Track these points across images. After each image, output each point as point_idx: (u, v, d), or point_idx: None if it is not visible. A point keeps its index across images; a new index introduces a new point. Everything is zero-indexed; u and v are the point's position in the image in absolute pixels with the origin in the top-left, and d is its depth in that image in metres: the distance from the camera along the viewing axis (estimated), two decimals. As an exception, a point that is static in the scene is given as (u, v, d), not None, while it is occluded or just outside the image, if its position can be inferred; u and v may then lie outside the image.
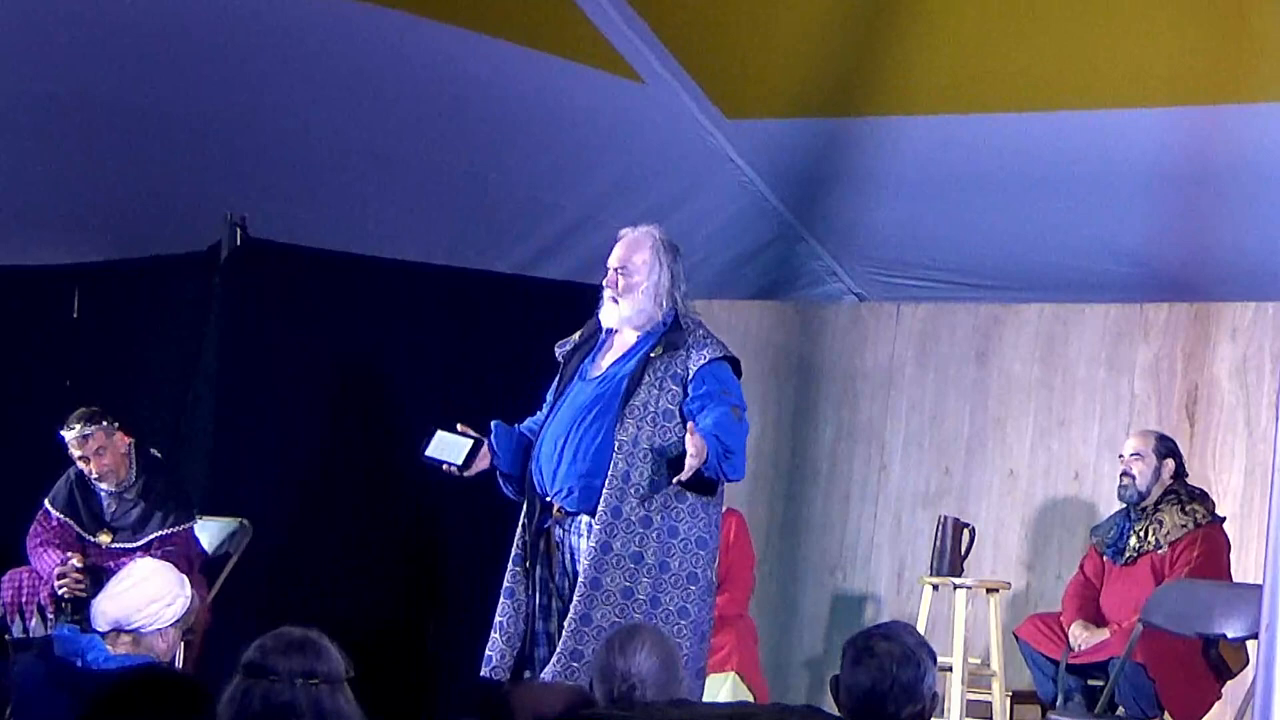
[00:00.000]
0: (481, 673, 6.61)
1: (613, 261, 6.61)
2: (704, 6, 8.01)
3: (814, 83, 8.17)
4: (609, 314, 6.59)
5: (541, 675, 6.39)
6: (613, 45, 8.08)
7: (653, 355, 6.51)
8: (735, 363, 6.60)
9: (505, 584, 6.61)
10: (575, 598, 6.39)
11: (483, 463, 6.70)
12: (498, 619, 6.60)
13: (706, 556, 6.49)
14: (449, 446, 6.73)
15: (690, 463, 6.28)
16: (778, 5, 7.91)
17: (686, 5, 8.02)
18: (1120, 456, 7.81)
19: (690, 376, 6.48)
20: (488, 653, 6.59)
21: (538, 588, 6.56)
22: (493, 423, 6.75)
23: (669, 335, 6.53)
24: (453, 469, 6.69)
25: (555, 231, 9.11)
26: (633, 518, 6.39)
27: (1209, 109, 7.56)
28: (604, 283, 6.61)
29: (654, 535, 6.40)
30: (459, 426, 6.72)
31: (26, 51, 8.09)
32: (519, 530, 6.62)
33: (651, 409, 6.46)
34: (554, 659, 6.38)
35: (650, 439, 6.43)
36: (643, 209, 8.79)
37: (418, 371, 8.78)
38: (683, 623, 6.40)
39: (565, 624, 6.39)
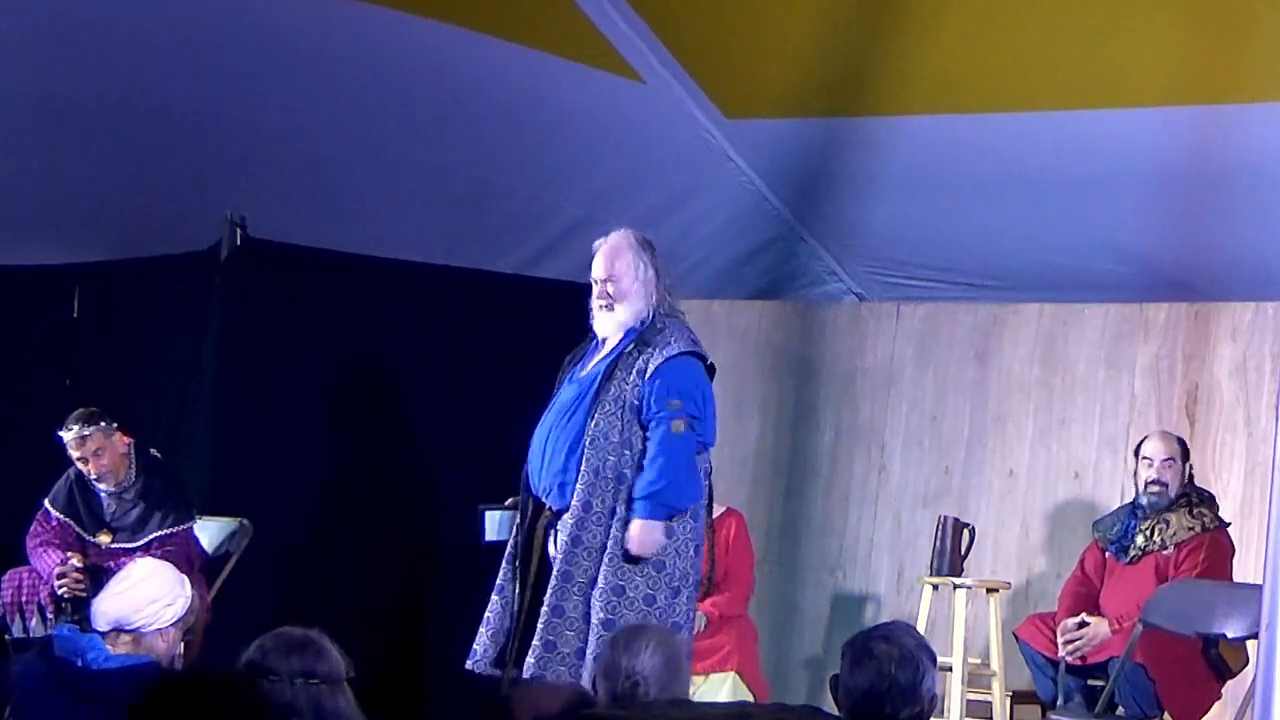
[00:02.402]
0: (466, 665, 6.67)
1: (598, 274, 6.65)
2: (704, 6, 8.01)
3: (814, 83, 8.17)
4: (604, 324, 6.65)
5: (523, 674, 6.47)
6: (613, 45, 8.08)
7: (626, 351, 6.59)
8: (702, 359, 6.66)
9: (498, 580, 6.71)
10: (549, 589, 6.49)
11: None
12: (486, 614, 6.70)
13: (673, 545, 6.53)
14: (504, 524, 6.75)
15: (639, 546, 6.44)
16: (778, 5, 7.91)
17: (686, 5, 8.02)
18: (1147, 461, 7.68)
19: (648, 373, 6.52)
20: (474, 646, 6.67)
21: (530, 586, 6.61)
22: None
23: (644, 333, 6.61)
24: None
25: (555, 231, 9.11)
26: (602, 510, 6.48)
27: (1209, 109, 7.56)
28: (594, 295, 6.64)
29: (618, 525, 6.48)
30: (507, 501, 6.79)
31: (26, 51, 8.09)
32: (513, 529, 6.68)
33: (621, 402, 6.54)
34: (531, 649, 6.46)
35: (620, 432, 6.52)
36: (643, 209, 8.80)
37: (418, 371, 8.79)
38: (648, 609, 6.46)
39: (539, 615, 6.47)
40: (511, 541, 6.71)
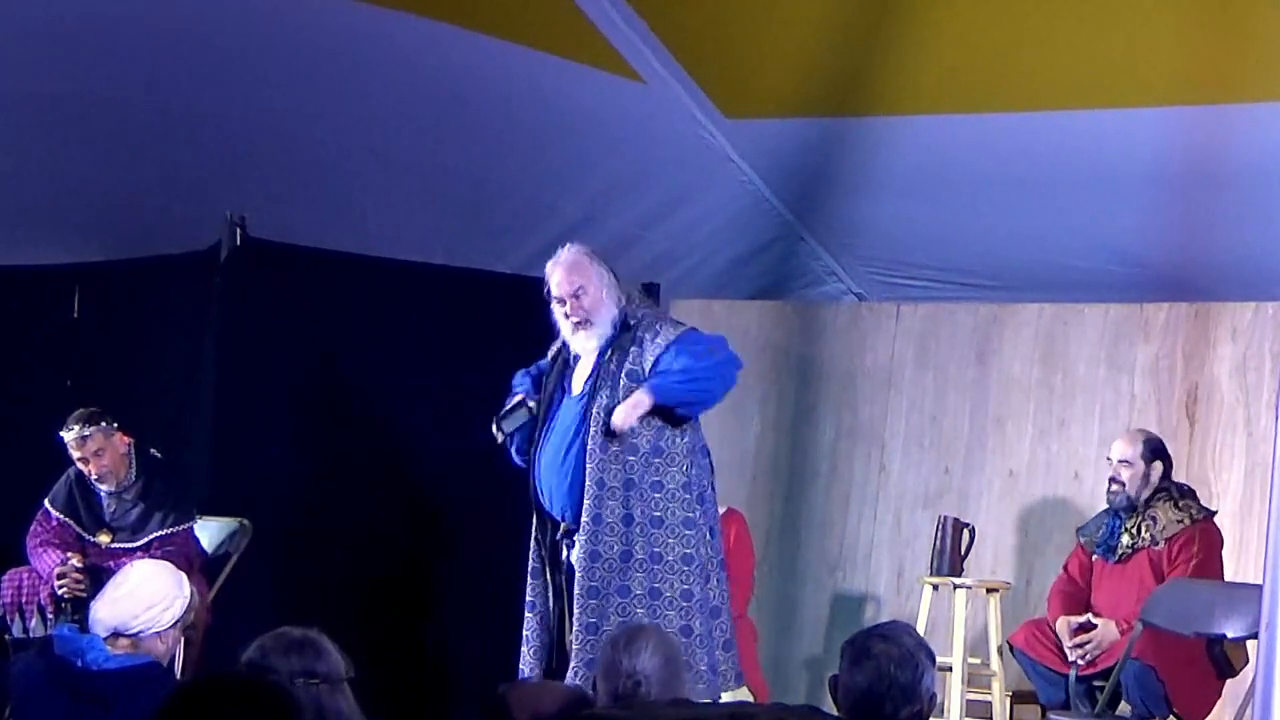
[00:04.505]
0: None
1: (564, 290, 6.66)
2: (704, 6, 8.01)
3: (814, 83, 8.17)
4: (582, 342, 6.66)
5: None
6: (613, 45, 8.08)
7: (604, 361, 6.63)
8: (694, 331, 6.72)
9: (528, 598, 6.73)
10: (576, 609, 6.47)
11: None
12: (525, 633, 6.71)
13: (695, 536, 6.56)
14: (513, 416, 6.76)
15: (621, 416, 6.42)
16: (778, 5, 7.91)
17: (686, 5, 8.02)
18: (1108, 459, 7.78)
19: (646, 364, 6.55)
20: (521, 666, 6.67)
21: (557, 599, 6.62)
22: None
23: (618, 340, 6.64)
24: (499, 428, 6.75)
25: (555, 231, 9.08)
26: (613, 519, 6.47)
27: (1209, 109, 7.56)
28: (565, 313, 6.64)
29: (638, 530, 6.47)
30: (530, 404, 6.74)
31: (27, 52, 8.09)
32: (533, 545, 6.70)
33: (610, 411, 6.53)
34: (571, 672, 6.45)
35: (618, 441, 6.55)
36: (643, 209, 8.81)
37: (417, 371, 8.78)
38: (688, 605, 6.48)
39: (574, 636, 6.46)
40: (534, 556, 6.71)
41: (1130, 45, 7.43)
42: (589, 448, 6.52)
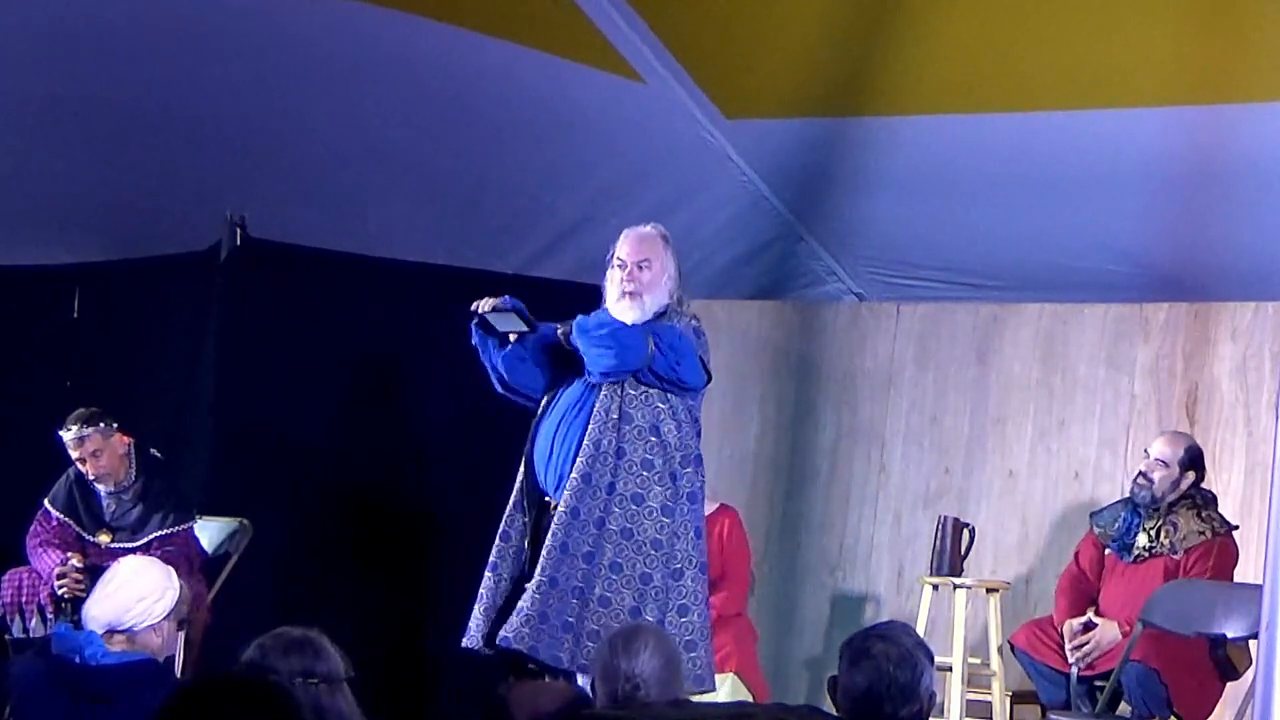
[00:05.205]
0: (463, 644, 6.67)
1: (631, 256, 6.69)
2: (704, 6, 8.00)
3: (814, 83, 8.17)
4: (623, 311, 6.65)
5: (509, 637, 6.47)
6: (613, 45, 8.08)
7: None
8: (696, 332, 6.74)
9: (490, 559, 6.72)
10: (543, 560, 6.49)
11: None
12: (480, 591, 6.70)
13: (672, 525, 6.59)
14: (505, 319, 6.76)
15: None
16: (778, 5, 7.91)
17: (686, 5, 8.02)
18: (1145, 453, 7.75)
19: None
20: (469, 624, 6.68)
21: (525, 566, 6.62)
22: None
23: (650, 325, 6.65)
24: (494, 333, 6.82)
25: (555, 231, 9.11)
26: (600, 484, 6.52)
27: (1209, 109, 7.56)
28: (622, 278, 6.66)
29: (616, 501, 6.53)
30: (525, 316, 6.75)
31: (27, 52, 8.09)
32: (510, 507, 6.69)
33: (621, 380, 6.59)
34: (522, 621, 6.46)
35: (620, 408, 6.57)
36: (643, 209, 8.78)
37: (417, 371, 8.79)
38: (644, 587, 6.52)
39: (533, 585, 6.47)
40: (507, 519, 6.73)
41: (1130, 45, 7.43)
42: (595, 411, 6.56)
